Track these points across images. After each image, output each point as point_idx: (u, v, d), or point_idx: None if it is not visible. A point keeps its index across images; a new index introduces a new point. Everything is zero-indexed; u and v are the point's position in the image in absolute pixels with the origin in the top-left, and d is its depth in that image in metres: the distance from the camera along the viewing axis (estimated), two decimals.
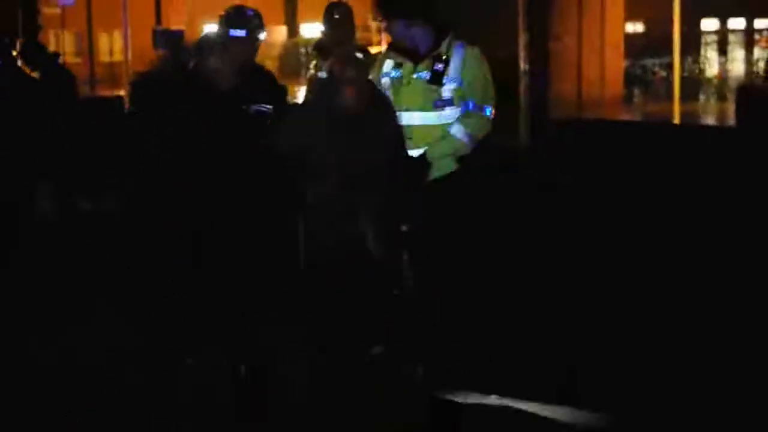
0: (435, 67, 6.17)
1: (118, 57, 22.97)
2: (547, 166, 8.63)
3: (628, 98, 16.69)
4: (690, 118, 15.74)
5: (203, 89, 6.16)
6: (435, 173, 6.20)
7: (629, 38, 17.68)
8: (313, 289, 6.01)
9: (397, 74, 6.29)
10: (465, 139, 6.18)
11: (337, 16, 8.27)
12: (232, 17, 6.55)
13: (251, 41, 6.57)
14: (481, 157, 6.29)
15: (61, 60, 10.88)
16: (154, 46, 19.65)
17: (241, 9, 6.62)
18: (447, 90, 6.18)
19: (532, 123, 14.08)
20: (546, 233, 7.91)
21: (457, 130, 6.19)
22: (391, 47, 6.42)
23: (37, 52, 10.42)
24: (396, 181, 6.07)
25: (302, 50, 24.74)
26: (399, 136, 6.14)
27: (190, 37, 30.67)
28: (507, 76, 16.18)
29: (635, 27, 19.60)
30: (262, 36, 6.63)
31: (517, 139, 13.80)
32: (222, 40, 6.36)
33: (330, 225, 5.98)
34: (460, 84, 6.16)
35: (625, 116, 15.48)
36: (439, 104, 6.18)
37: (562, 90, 16.78)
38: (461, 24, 6.72)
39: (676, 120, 14.93)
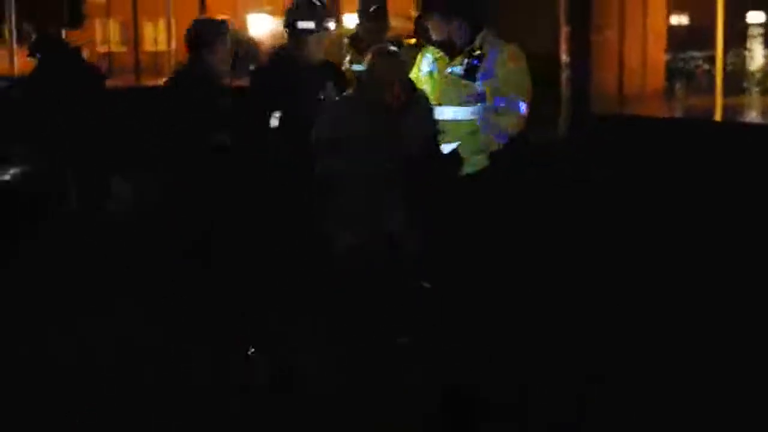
0: (469, 62, 6.21)
1: (163, 46, 23.06)
2: (583, 162, 8.62)
3: (669, 91, 16.53)
4: (733, 112, 15.58)
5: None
6: (467, 169, 6.22)
7: (672, 30, 17.50)
8: (340, 283, 6.05)
9: (433, 69, 6.34)
10: (496, 135, 6.20)
11: (372, 9, 8.28)
12: (301, 9, 6.55)
13: (320, 33, 6.58)
14: (514, 152, 6.31)
15: (85, 54, 10.90)
16: None
17: (309, 1, 6.61)
18: (480, 85, 6.20)
19: (572, 116, 14.03)
20: (577, 230, 7.90)
21: (488, 126, 6.20)
22: (430, 42, 6.47)
23: (55, 46, 10.26)
24: (429, 176, 6.10)
25: (345, 41, 24.72)
26: (433, 132, 6.16)
27: (234, 27, 30.84)
28: (547, 68, 16.17)
29: (679, 19, 19.38)
30: (332, 26, 6.60)
31: (556, 132, 13.75)
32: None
33: (360, 218, 6.01)
34: (494, 80, 6.18)
35: (667, 110, 15.36)
36: (471, 99, 6.21)
37: (603, 83, 16.67)
38: (502, 16, 6.73)
39: (718, 115, 14.80)
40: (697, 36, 16.64)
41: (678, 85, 16.92)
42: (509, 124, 6.19)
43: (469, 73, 6.23)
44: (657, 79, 17.35)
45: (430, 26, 6.41)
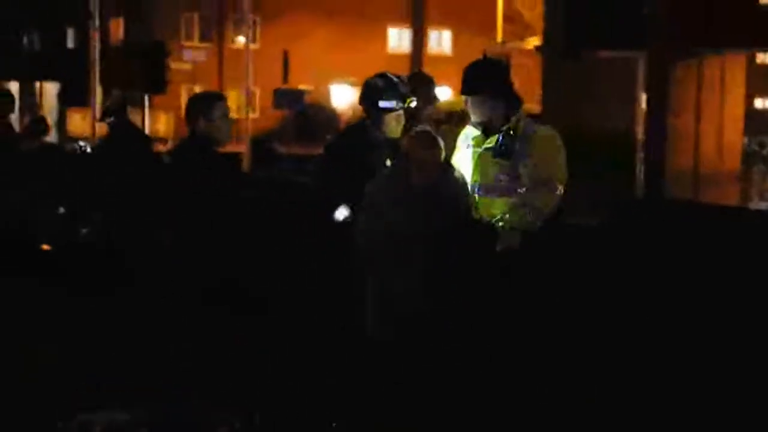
0: (503, 142, 6.28)
1: (242, 114, 23.50)
2: (624, 247, 8.46)
3: (745, 174, 16.40)
4: None
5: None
6: (499, 245, 6.26)
7: (750, 114, 17.40)
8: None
9: (469, 148, 6.42)
10: (532, 214, 6.25)
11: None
12: (383, 88, 6.56)
13: (399, 111, 6.62)
14: (548, 233, 6.35)
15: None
16: (274, 106, 20.04)
17: (389, 78, 6.61)
18: (514, 166, 6.25)
19: (647, 197, 14.00)
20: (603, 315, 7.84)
21: (525, 205, 6.25)
22: (471, 123, 6.54)
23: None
24: (463, 248, 6.13)
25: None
26: (466, 206, 6.23)
27: (317, 98, 31.23)
28: (623, 150, 16.20)
29: (761, 103, 19.27)
30: (413, 104, 6.60)
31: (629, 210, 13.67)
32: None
33: (397, 297, 6.06)
34: (528, 161, 6.25)
35: (740, 193, 15.24)
36: (504, 178, 6.26)
37: (679, 164, 16.62)
38: (579, 98, 6.75)
39: None
40: None
41: (755, 169, 16.78)
42: (544, 204, 6.24)
43: (503, 153, 6.31)
44: (733, 161, 17.24)
45: (470, 106, 6.47)
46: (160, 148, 21.29)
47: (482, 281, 6.17)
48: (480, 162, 6.35)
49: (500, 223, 6.25)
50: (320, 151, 6.91)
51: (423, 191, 6.07)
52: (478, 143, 6.39)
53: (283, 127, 19.39)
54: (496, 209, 6.28)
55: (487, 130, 6.38)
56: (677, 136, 16.80)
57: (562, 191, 6.25)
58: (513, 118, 6.31)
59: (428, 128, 6.39)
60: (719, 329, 7.56)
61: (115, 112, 9.97)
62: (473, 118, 6.42)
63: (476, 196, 6.32)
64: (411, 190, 6.05)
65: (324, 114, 27.52)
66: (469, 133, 6.49)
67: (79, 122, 12.39)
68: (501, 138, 6.29)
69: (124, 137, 9.77)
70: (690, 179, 16.48)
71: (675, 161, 16.60)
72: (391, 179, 6.18)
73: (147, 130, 18.24)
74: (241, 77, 23.31)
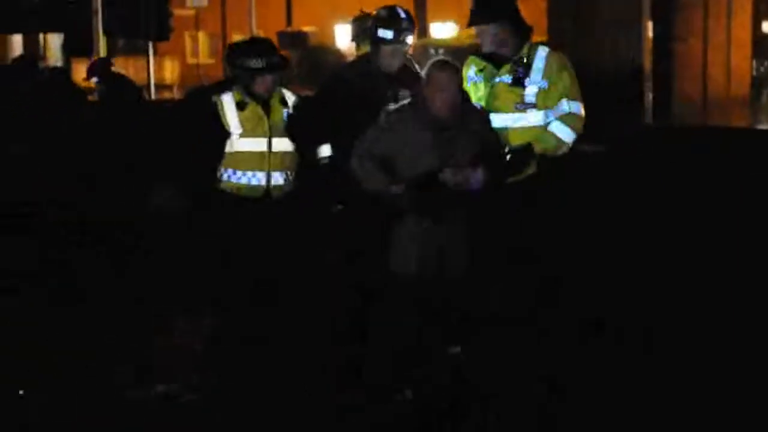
0: (516, 71, 6.25)
1: None
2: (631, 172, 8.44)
3: (755, 99, 16.31)
4: None
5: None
6: (512, 177, 6.24)
7: (759, 38, 17.26)
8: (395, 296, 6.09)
9: (478, 79, 6.38)
10: (567, 137, 6.25)
11: None
12: (383, 18, 6.59)
13: (397, 45, 6.61)
14: (561, 160, 6.34)
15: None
16: (278, 48, 19.92)
17: (394, 10, 6.64)
18: (530, 93, 6.24)
19: (654, 126, 13.93)
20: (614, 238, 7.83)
21: (559, 129, 6.24)
22: (475, 53, 6.49)
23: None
24: (499, 175, 6.08)
25: (431, 51, 24.77)
26: (497, 137, 6.20)
27: (321, 39, 31.00)
28: (631, 80, 16.07)
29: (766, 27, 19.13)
30: (410, 40, 6.61)
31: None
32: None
33: (414, 237, 6.03)
34: (545, 87, 6.22)
35: (750, 119, 15.17)
36: (521, 107, 6.25)
37: (687, 91, 16.52)
38: (586, 29, 6.70)
39: None
40: None
41: (764, 92, 16.68)
42: (578, 127, 6.26)
43: (517, 81, 6.30)
44: (742, 87, 17.14)
45: (480, 37, 6.44)
46: (166, 95, 21.25)
47: (508, 211, 6.17)
48: (495, 92, 6.32)
49: (538, 146, 6.22)
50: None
51: (449, 125, 5.99)
52: (490, 74, 6.35)
53: (288, 70, 19.25)
54: (512, 139, 6.27)
55: (498, 61, 6.35)
56: (684, 63, 16.69)
57: (583, 112, 6.27)
58: (525, 46, 6.29)
59: (447, 58, 6.37)
60: (730, 245, 7.58)
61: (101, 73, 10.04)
62: (484, 48, 6.39)
63: (498, 126, 6.29)
64: (435, 119, 5.98)
65: (329, 55, 27.38)
66: (473, 66, 6.45)
67: (83, 72, 12.38)
68: (515, 67, 6.26)
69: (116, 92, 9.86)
70: (699, 106, 16.41)
71: (683, 88, 16.50)
72: (411, 109, 6.08)
73: (152, 78, 18.22)
74: (244, 22, 23.19)
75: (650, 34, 15.23)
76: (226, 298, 6.34)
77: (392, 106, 6.20)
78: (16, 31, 28.95)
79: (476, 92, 6.39)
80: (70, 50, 22.43)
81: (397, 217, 6.05)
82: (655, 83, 14.78)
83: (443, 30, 33.22)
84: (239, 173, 6.37)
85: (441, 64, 6.07)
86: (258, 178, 6.38)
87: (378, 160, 5.99)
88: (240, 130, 6.35)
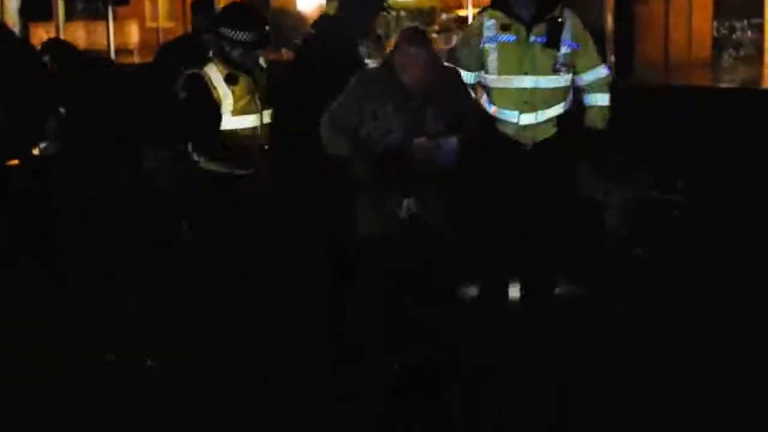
0: (552, 31, 6.18)
1: None
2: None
3: (716, 61, 16.33)
4: None
5: None
6: (540, 136, 6.26)
7: (720, 0, 17.27)
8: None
9: (509, 38, 6.24)
10: (604, 100, 6.31)
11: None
12: None
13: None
14: (578, 118, 6.40)
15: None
16: None
17: None
18: (562, 54, 6.21)
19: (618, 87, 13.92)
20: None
21: (603, 99, 6.27)
22: (492, 9, 6.35)
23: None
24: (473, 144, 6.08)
25: (393, 13, 24.65)
26: (470, 100, 6.13)
27: (281, 2, 30.68)
28: (593, 39, 16.03)
29: None
30: None
31: None
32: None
33: (379, 205, 5.99)
34: (576, 48, 6.22)
35: (710, 80, 15.20)
36: (557, 67, 6.22)
37: (649, 53, 16.53)
38: None
39: (766, 84, 14.62)
40: (746, 3, 16.41)
41: (726, 55, 16.70)
42: (610, 88, 6.36)
43: (553, 42, 6.24)
44: (704, 48, 17.16)
45: None
46: (127, 60, 21.04)
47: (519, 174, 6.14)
48: (531, 53, 6.22)
49: (554, 113, 6.21)
50: (289, 56, 6.88)
51: (415, 93, 5.93)
52: (522, 34, 6.22)
53: None
54: (549, 100, 6.21)
55: (527, 21, 6.23)
56: (646, 25, 16.69)
57: None
58: (558, 7, 6.24)
59: (418, 25, 6.31)
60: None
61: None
62: (524, 11, 6.23)
63: (527, 87, 6.21)
64: (403, 90, 5.93)
65: (290, 19, 27.15)
66: (489, 24, 6.29)
67: (43, 36, 12.18)
68: (550, 28, 6.19)
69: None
70: (661, 68, 16.42)
71: (644, 51, 16.50)
72: (380, 76, 6.03)
73: (112, 43, 17.98)
74: None
75: None
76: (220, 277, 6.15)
77: (361, 72, 6.15)
78: None
79: (502, 51, 6.25)
80: (27, 15, 22.18)
81: (361, 185, 6.01)
82: (616, 45, 14.79)
83: None
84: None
85: (411, 34, 5.99)
86: None
87: (344, 126, 5.94)
88: (231, 107, 5.91)
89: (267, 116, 6.05)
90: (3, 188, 7.36)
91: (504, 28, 6.29)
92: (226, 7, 6.09)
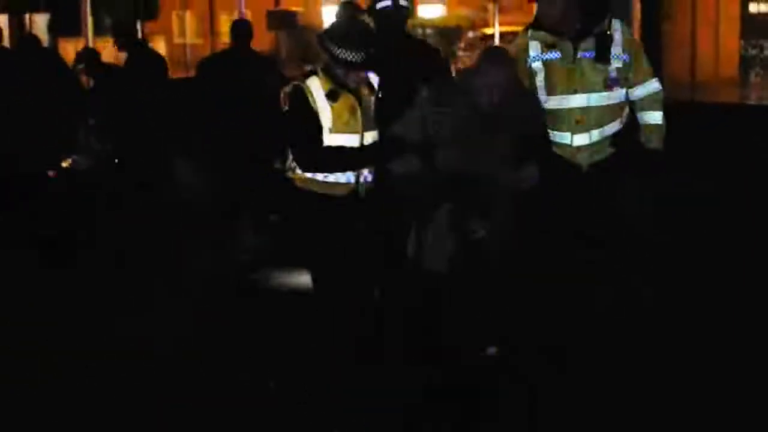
0: (601, 45, 5.99)
1: None
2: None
3: (743, 80, 16.29)
4: None
5: None
6: (595, 157, 6.12)
7: (747, 17, 17.22)
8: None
9: (555, 56, 6.09)
10: (657, 117, 6.17)
11: None
12: None
13: (398, 11, 6.65)
14: (632, 137, 6.25)
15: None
16: (268, 28, 19.80)
17: None
18: (613, 69, 6.03)
19: None
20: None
21: (655, 117, 6.13)
22: (535, 28, 6.21)
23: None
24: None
25: (419, 31, 24.67)
26: (543, 126, 6.02)
27: (308, 18, 30.82)
28: None
29: (757, 7, 19.08)
30: (405, 2, 6.65)
31: None
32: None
33: (446, 234, 5.86)
34: (627, 61, 6.04)
35: (740, 98, 15.18)
36: (610, 83, 6.01)
37: (676, 72, 16.49)
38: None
39: None
40: None
41: (753, 73, 16.65)
42: (662, 105, 6.15)
43: (603, 57, 6.01)
44: (731, 66, 17.12)
45: (544, 10, 6.07)
46: None
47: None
48: (580, 69, 6.05)
49: (608, 131, 6.11)
50: None
51: (491, 113, 5.79)
52: (568, 51, 6.08)
53: (276, 50, 19.20)
54: (603, 118, 6.09)
55: (572, 36, 6.08)
56: (673, 43, 16.66)
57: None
58: (606, 19, 6.07)
59: (500, 46, 6.22)
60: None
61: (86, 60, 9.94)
62: (549, 21, 6.08)
63: (579, 107, 6.08)
64: (479, 108, 5.80)
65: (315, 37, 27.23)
66: (536, 43, 6.15)
67: (71, 53, 12.25)
68: (599, 42, 6.00)
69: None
70: (687, 86, 16.38)
71: (671, 68, 16.45)
72: (454, 93, 5.88)
73: None
74: (232, 1, 23.04)
75: (638, 13, 15.20)
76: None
77: (429, 88, 5.97)
78: (2, 12, 28.85)
79: (549, 70, 6.12)
80: (56, 30, 22.33)
81: (428, 208, 5.89)
82: None
83: (431, 11, 33.02)
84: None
85: (493, 53, 5.87)
86: (348, 177, 5.71)
87: (414, 142, 5.82)
88: (330, 124, 5.62)
89: (369, 137, 5.83)
90: (34, 196, 7.41)
91: (549, 45, 6.07)
92: (334, 23, 5.96)
